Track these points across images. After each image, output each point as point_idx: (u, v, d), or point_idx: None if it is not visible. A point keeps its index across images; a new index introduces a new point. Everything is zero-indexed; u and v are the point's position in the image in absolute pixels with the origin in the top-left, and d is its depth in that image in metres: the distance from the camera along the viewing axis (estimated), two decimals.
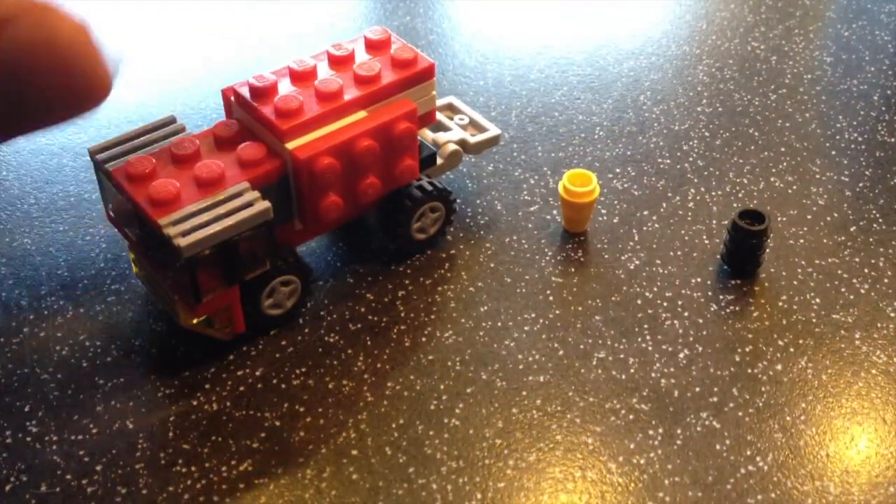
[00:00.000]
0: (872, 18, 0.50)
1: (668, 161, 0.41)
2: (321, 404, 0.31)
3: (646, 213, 0.38)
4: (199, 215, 0.29)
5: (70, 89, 0.23)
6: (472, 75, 0.46)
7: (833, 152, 0.41)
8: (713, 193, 0.39)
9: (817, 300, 0.34)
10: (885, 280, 0.35)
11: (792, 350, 0.32)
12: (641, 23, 0.50)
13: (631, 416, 0.30)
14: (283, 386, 0.31)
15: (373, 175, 0.32)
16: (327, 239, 0.37)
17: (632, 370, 0.32)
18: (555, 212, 0.38)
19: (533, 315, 0.34)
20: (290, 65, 0.32)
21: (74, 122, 0.37)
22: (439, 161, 0.36)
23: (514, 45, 0.48)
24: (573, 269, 0.36)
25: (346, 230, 0.37)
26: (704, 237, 0.37)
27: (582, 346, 0.33)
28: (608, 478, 0.29)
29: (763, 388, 0.31)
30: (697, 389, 0.31)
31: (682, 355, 0.32)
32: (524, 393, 0.31)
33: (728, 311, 0.34)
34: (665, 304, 0.34)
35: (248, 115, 0.32)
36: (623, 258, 0.36)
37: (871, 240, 0.37)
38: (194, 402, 0.31)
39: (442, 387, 0.31)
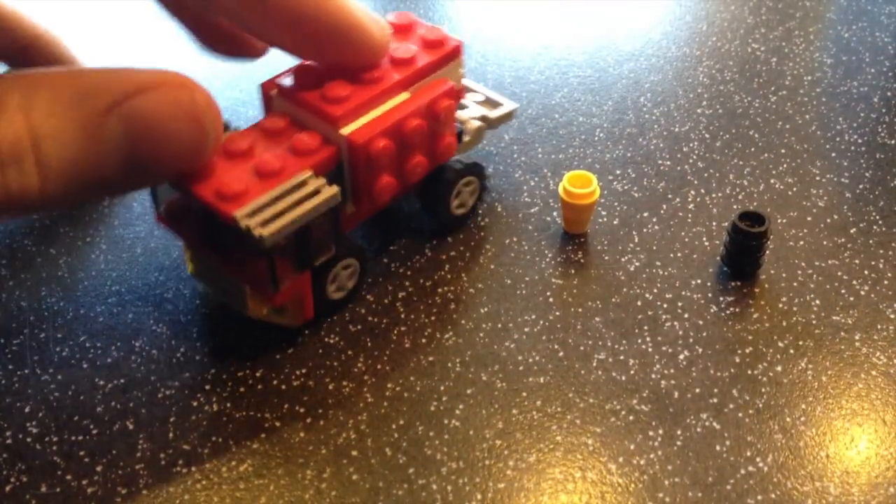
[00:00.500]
0: (873, 20, 0.50)
1: (669, 163, 0.41)
2: (321, 405, 0.31)
3: (646, 214, 0.38)
4: (271, 205, 0.29)
5: (195, 152, 0.27)
6: (472, 76, 0.46)
7: (833, 154, 0.41)
8: (713, 195, 0.39)
9: (817, 302, 0.34)
10: (885, 282, 0.35)
11: (792, 351, 0.32)
12: (641, 24, 0.50)
13: (631, 417, 0.30)
14: (283, 387, 0.31)
15: (420, 153, 0.33)
16: None
17: (632, 371, 0.32)
18: (555, 213, 0.38)
19: (533, 316, 0.34)
20: None
21: None
22: (465, 139, 0.37)
23: (514, 47, 0.48)
24: (573, 271, 0.36)
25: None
26: (704, 239, 0.37)
27: (582, 348, 0.33)
28: (608, 478, 0.29)
29: (763, 390, 0.31)
30: (697, 390, 0.31)
31: (682, 356, 0.32)
32: (524, 394, 0.31)
33: (728, 312, 0.34)
34: (665, 305, 0.34)
35: (294, 105, 0.32)
36: (623, 260, 0.36)
37: (871, 242, 0.37)
38: (194, 403, 0.31)
39: (442, 388, 0.31)
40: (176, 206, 0.32)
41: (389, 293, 0.35)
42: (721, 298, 0.34)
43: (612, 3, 0.52)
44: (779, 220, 0.38)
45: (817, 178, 0.40)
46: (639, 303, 0.34)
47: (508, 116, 0.39)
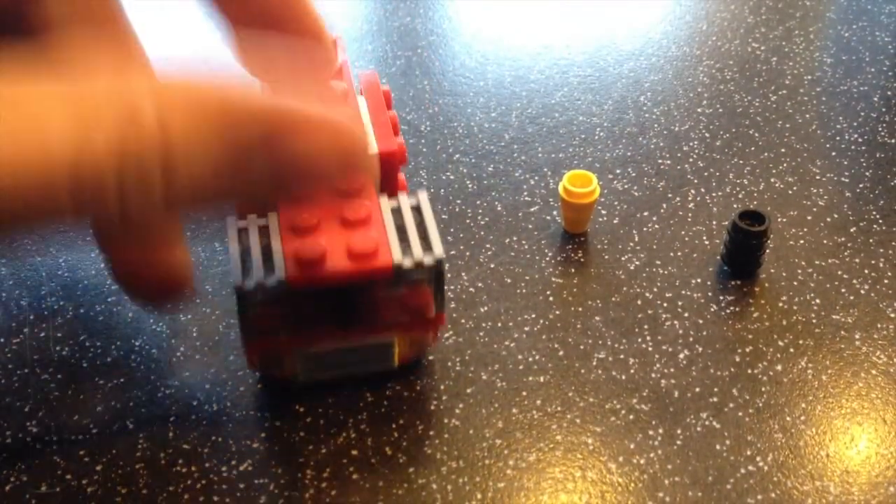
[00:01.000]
0: (873, 19, 0.50)
1: (669, 162, 0.41)
2: (321, 404, 0.31)
3: (646, 213, 0.38)
4: (402, 237, 0.28)
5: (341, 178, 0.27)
6: (473, 76, 0.46)
7: (833, 153, 0.41)
8: (713, 194, 0.39)
9: (817, 301, 0.34)
10: (886, 281, 0.35)
11: (792, 350, 0.32)
12: (642, 24, 0.50)
13: (631, 417, 0.30)
14: (284, 387, 0.31)
15: None
16: None
17: (632, 370, 0.32)
18: (555, 212, 0.38)
19: (533, 315, 0.34)
20: None
21: None
22: None
23: (515, 46, 0.48)
24: (573, 270, 0.36)
25: None
26: (704, 238, 0.37)
27: (582, 347, 0.33)
28: (608, 478, 0.29)
29: (763, 389, 0.31)
30: (697, 390, 0.31)
31: (682, 356, 0.32)
32: (524, 393, 0.31)
33: (728, 311, 0.34)
34: (665, 304, 0.34)
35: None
36: (623, 259, 0.36)
37: (871, 240, 0.37)
38: (194, 402, 0.31)
39: (442, 387, 0.31)
40: (269, 341, 0.29)
41: None
42: (721, 297, 0.34)
43: (612, 3, 0.52)
44: (779, 220, 0.38)
45: (817, 178, 0.40)
46: (639, 302, 0.34)
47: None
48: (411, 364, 0.32)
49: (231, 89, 0.24)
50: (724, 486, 0.28)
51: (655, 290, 0.35)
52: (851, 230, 0.37)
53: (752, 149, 0.41)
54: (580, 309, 0.34)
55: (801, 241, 0.37)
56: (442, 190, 0.39)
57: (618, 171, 0.40)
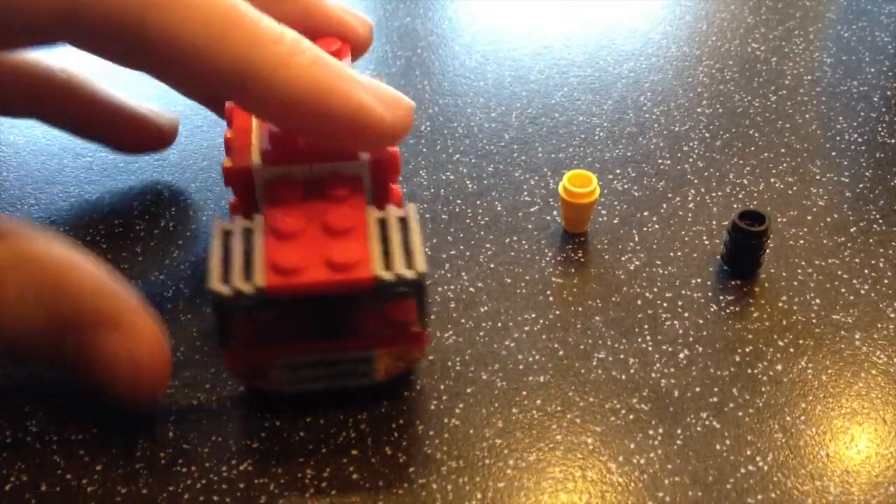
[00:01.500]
0: (873, 20, 0.50)
1: (669, 162, 0.41)
2: (321, 404, 0.31)
3: (646, 213, 0.38)
4: (387, 248, 0.28)
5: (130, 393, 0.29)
6: (472, 76, 0.46)
7: (833, 153, 0.41)
8: (713, 194, 0.39)
9: (817, 301, 0.34)
10: (886, 281, 0.35)
11: (792, 350, 0.32)
12: (641, 24, 0.50)
13: (631, 416, 0.30)
14: None
15: None
16: None
17: (632, 370, 0.32)
18: (555, 212, 0.38)
19: (533, 315, 0.34)
20: None
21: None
22: None
23: (514, 46, 0.48)
24: (573, 270, 0.36)
25: None
26: (704, 238, 0.37)
27: (582, 347, 0.33)
28: (608, 477, 0.29)
29: (763, 389, 0.31)
30: (697, 389, 0.31)
31: (682, 355, 0.32)
32: (524, 393, 0.31)
33: (728, 311, 0.34)
34: (665, 304, 0.34)
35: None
36: (623, 259, 0.36)
37: (871, 241, 0.37)
38: (194, 403, 0.31)
39: (442, 387, 0.31)
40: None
41: None
42: (721, 297, 0.34)
43: (612, 4, 0.52)
44: (779, 219, 0.38)
45: (817, 178, 0.40)
46: (639, 302, 0.34)
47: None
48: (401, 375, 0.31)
49: (49, 250, 0.27)
50: (724, 486, 0.28)
51: (655, 290, 0.35)
52: (851, 230, 0.37)
53: (752, 149, 0.41)
54: (580, 309, 0.34)
55: (801, 241, 0.37)
56: (442, 190, 0.39)
57: (618, 171, 0.40)
